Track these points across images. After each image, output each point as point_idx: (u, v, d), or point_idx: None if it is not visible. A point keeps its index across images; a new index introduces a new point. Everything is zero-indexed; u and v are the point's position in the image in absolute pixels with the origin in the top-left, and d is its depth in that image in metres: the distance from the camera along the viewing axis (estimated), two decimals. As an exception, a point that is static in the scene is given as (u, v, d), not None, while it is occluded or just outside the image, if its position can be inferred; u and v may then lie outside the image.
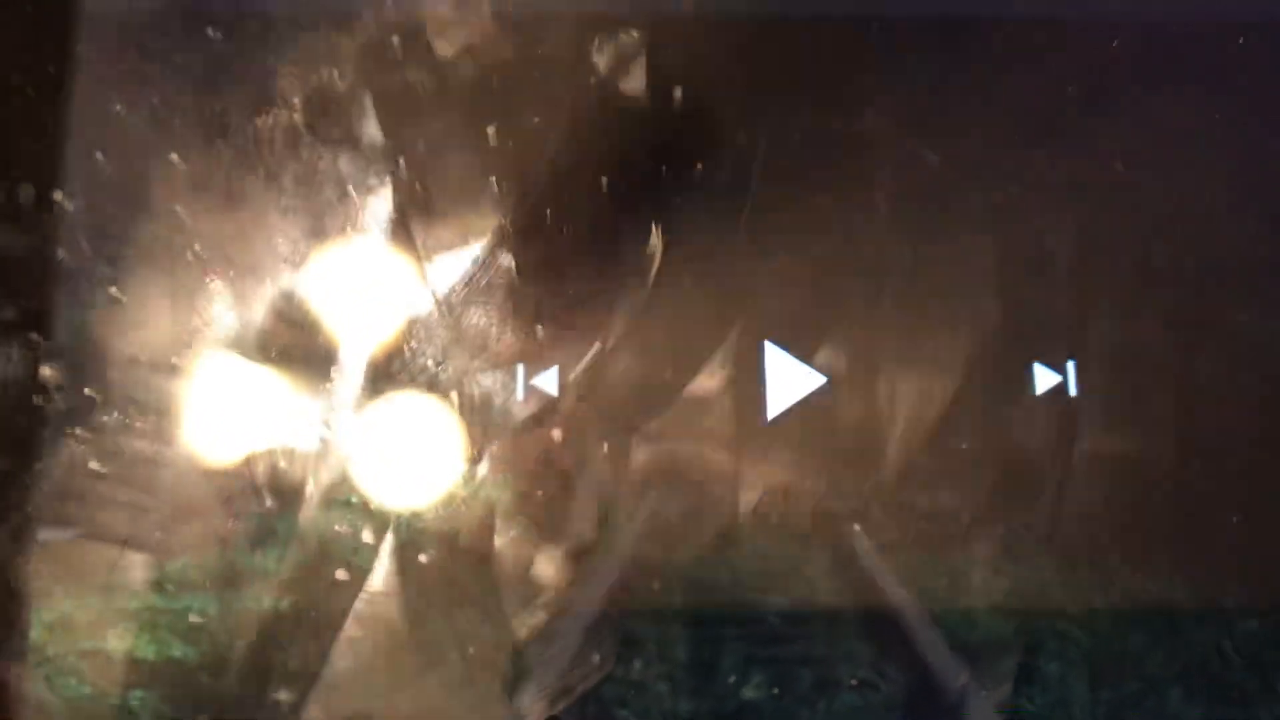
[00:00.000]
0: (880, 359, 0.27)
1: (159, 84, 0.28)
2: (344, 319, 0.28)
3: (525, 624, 0.26)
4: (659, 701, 0.26)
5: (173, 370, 0.27)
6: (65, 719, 0.26)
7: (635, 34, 0.28)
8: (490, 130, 0.28)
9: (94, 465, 0.27)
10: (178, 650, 0.26)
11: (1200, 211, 0.28)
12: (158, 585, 0.26)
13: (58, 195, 0.27)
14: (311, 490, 0.27)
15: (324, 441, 0.27)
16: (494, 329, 0.28)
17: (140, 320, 0.27)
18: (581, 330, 0.27)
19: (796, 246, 0.28)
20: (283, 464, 0.27)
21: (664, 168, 0.28)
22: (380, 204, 0.28)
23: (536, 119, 0.28)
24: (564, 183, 0.28)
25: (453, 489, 0.27)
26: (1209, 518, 0.27)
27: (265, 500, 0.27)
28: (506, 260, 0.28)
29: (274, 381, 0.27)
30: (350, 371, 0.27)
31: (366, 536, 0.26)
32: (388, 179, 0.28)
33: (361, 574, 0.26)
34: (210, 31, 0.28)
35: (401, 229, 0.28)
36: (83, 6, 0.28)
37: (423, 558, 0.26)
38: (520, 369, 0.27)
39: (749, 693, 0.26)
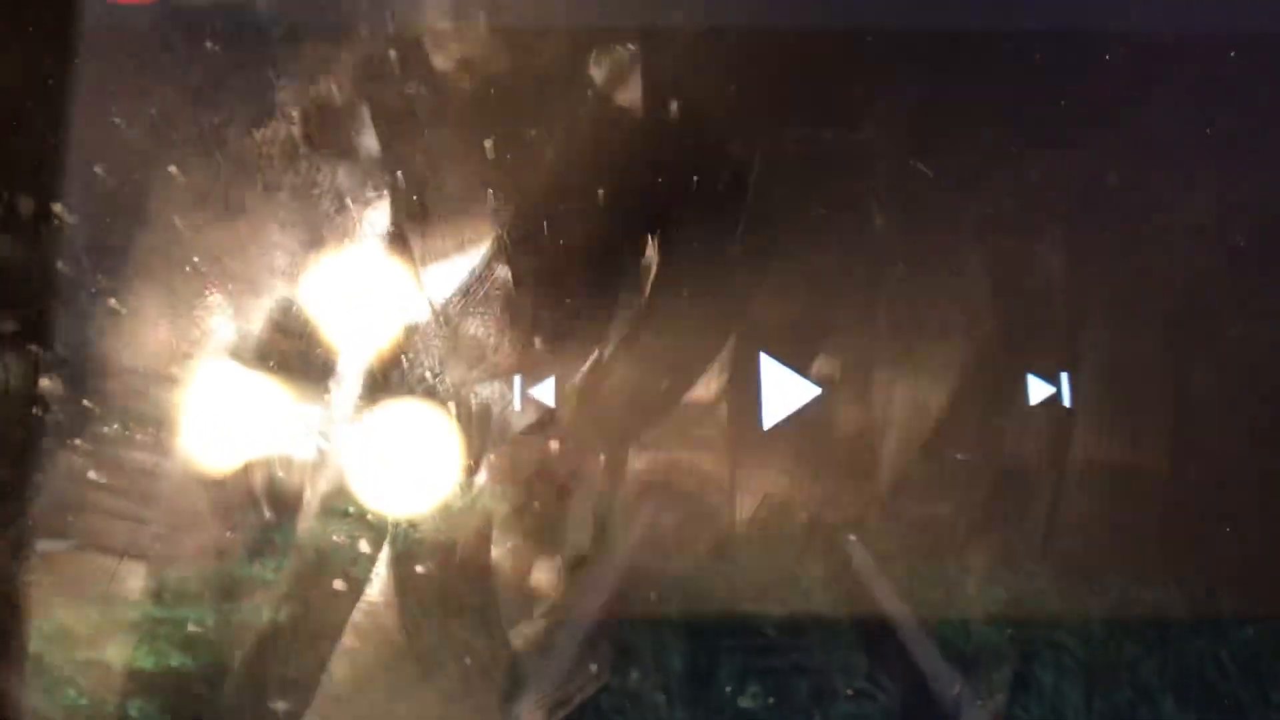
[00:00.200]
0: (875, 370, 0.27)
1: (158, 96, 0.28)
2: (342, 330, 0.28)
3: (522, 634, 0.26)
4: (655, 712, 0.26)
5: (171, 381, 0.27)
6: (63, 729, 0.26)
7: (631, 47, 0.29)
8: (487, 143, 0.28)
9: (92, 476, 0.27)
10: (176, 660, 0.26)
11: (1193, 223, 0.28)
12: (156, 595, 0.26)
13: (57, 207, 0.28)
14: (309, 501, 0.27)
15: (322, 452, 0.27)
16: (491, 340, 0.28)
17: (139, 332, 0.27)
18: (578, 341, 0.28)
19: (792, 258, 0.28)
20: (280, 474, 0.27)
21: (660, 180, 0.28)
22: (378, 216, 0.28)
23: (533, 132, 0.28)
24: (561, 195, 0.28)
25: (450, 499, 0.27)
26: (1203, 527, 0.27)
27: (263, 511, 0.27)
28: (503, 272, 0.28)
29: (272, 392, 0.27)
30: (348, 382, 0.27)
31: (364, 547, 0.27)
32: (385, 191, 0.28)
33: (359, 584, 0.26)
34: (209, 44, 0.28)
35: (399, 241, 0.28)
36: (82, 19, 0.28)
37: (420, 568, 0.27)
38: (517, 380, 0.27)
39: (745, 703, 0.26)
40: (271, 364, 0.27)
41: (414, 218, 0.28)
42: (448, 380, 0.27)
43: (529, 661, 0.26)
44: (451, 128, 0.28)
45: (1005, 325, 0.28)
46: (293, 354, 0.27)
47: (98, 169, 0.28)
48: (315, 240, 0.28)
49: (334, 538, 0.27)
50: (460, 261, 0.28)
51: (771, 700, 0.26)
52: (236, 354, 0.27)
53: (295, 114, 0.28)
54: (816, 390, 0.27)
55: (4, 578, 0.26)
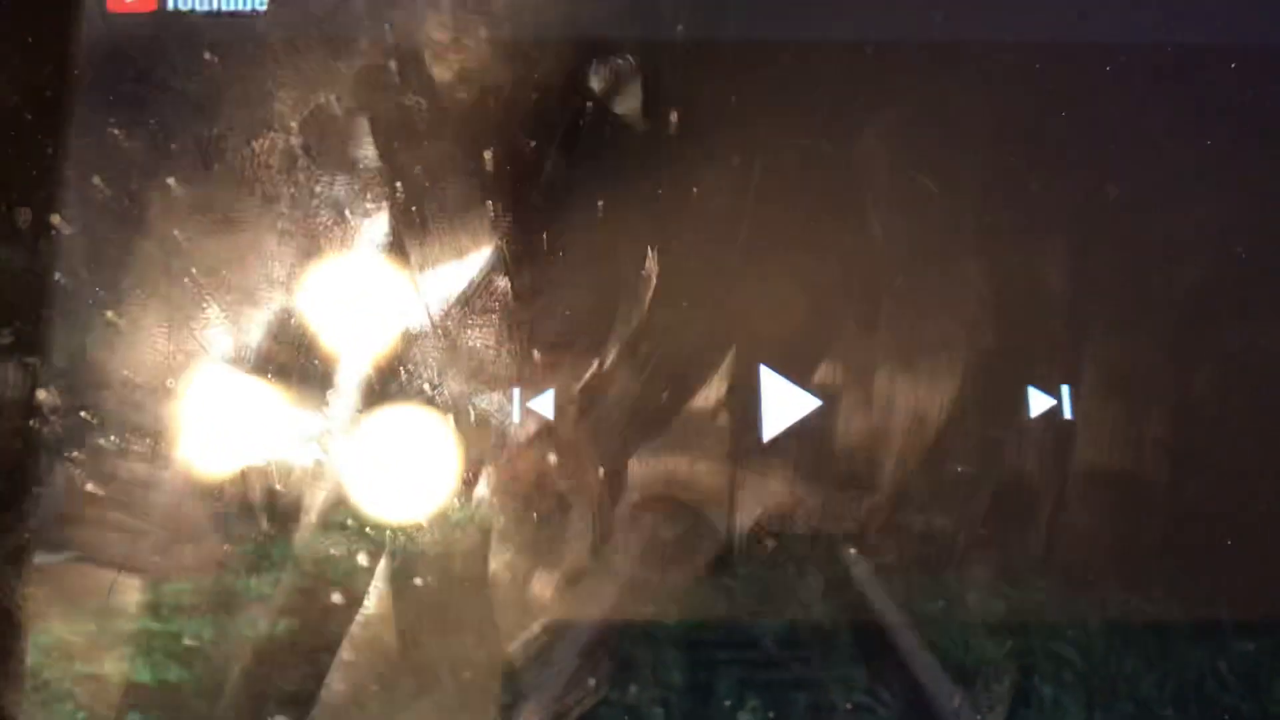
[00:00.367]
0: (876, 382, 0.27)
1: (156, 108, 0.28)
2: (340, 342, 0.28)
3: (520, 647, 0.26)
4: (655, 725, 0.26)
5: (169, 393, 0.27)
6: (60, 743, 0.26)
7: (630, 58, 0.29)
8: (486, 154, 0.28)
9: (90, 488, 0.27)
10: (173, 674, 0.26)
11: (1194, 234, 0.28)
12: (153, 608, 0.26)
13: (55, 219, 0.28)
14: (307, 513, 0.27)
15: (320, 464, 0.27)
16: (490, 352, 0.28)
17: (137, 343, 0.27)
18: (577, 353, 0.27)
19: (791, 269, 0.28)
20: (278, 487, 0.27)
21: (659, 191, 0.28)
22: (376, 227, 0.28)
23: (532, 143, 0.28)
24: (559, 206, 0.28)
25: (448, 512, 0.27)
26: (1204, 539, 0.27)
27: (261, 523, 0.27)
28: (502, 283, 0.28)
29: (270, 404, 0.27)
30: (346, 394, 0.27)
31: (362, 559, 0.27)
32: (384, 202, 0.28)
33: (357, 597, 0.26)
34: (208, 55, 0.28)
35: (398, 252, 0.28)
36: (80, 30, 0.28)
37: (418, 581, 0.26)
38: (516, 391, 0.27)
39: (744, 716, 0.26)
40: (270, 375, 0.27)
41: (413, 229, 0.28)
42: (446, 392, 0.27)
43: (527, 674, 0.26)
44: (450, 139, 0.28)
45: (1006, 337, 0.28)
46: (291, 365, 0.27)
47: (96, 180, 0.28)
48: (314, 251, 0.28)
49: (332, 550, 0.27)
50: (459, 273, 0.28)
51: (771, 714, 0.26)
52: (234, 365, 0.27)
53: (294, 125, 0.28)
54: (816, 402, 0.27)
55: (1, 590, 0.26)
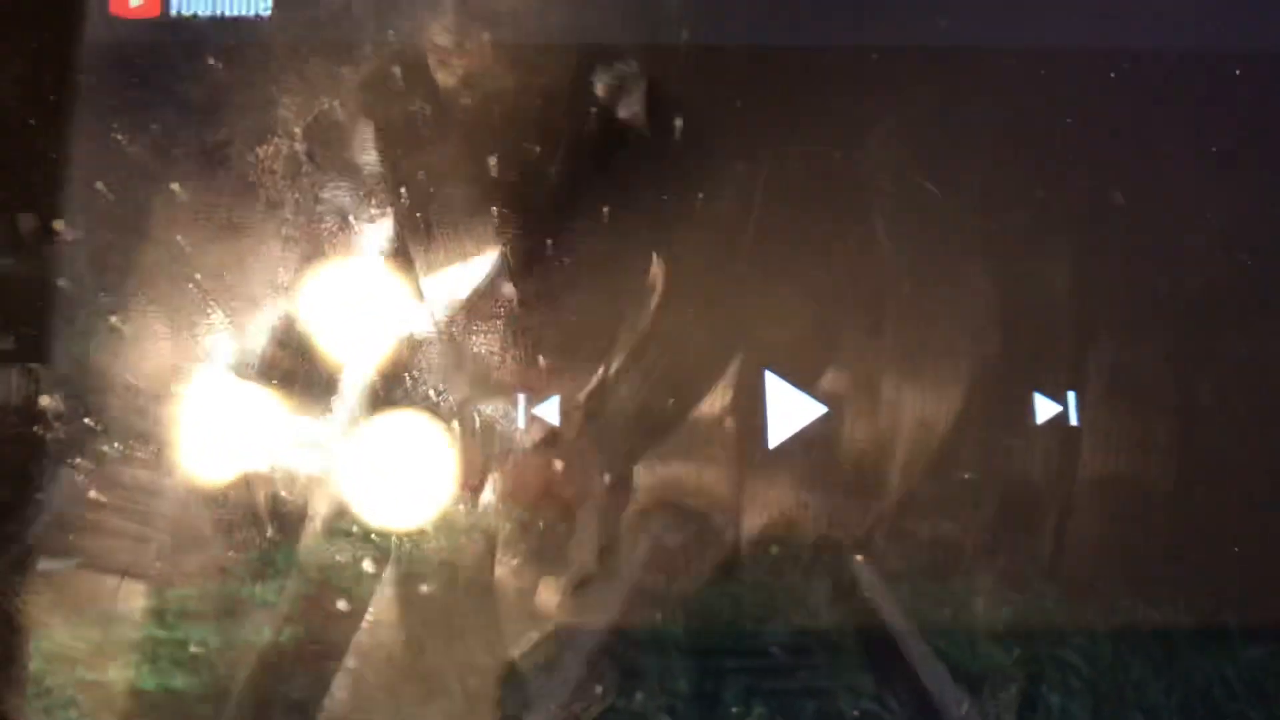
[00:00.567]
0: (881, 388, 0.27)
1: (160, 113, 0.28)
2: (345, 348, 0.28)
3: (527, 655, 0.26)
4: (661, 732, 0.26)
5: (173, 399, 0.27)
6: (64, 751, 0.26)
7: (635, 63, 0.28)
8: (491, 160, 0.28)
9: (94, 495, 0.27)
10: (178, 681, 0.26)
11: (1200, 240, 0.28)
12: (158, 615, 0.26)
13: (58, 224, 0.28)
14: (312, 520, 0.27)
15: (325, 470, 0.27)
16: (495, 358, 0.28)
17: (140, 349, 0.27)
18: (583, 359, 0.27)
19: (797, 275, 0.28)
20: (283, 493, 0.27)
21: (665, 197, 0.28)
22: (381, 233, 0.28)
23: (537, 149, 0.28)
24: (565, 212, 0.28)
25: (454, 518, 0.27)
26: (1211, 546, 0.27)
27: (266, 530, 0.27)
28: (507, 289, 0.28)
29: (274, 411, 0.27)
30: (351, 400, 0.27)
31: (367, 566, 0.26)
32: (388, 208, 0.28)
33: (362, 604, 0.26)
34: (211, 61, 0.28)
35: (403, 258, 0.28)
36: (84, 35, 0.28)
37: (423, 588, 0.26)
38: (521, 398, 0.27)
39: (751, 724, 0.26)
40: (274, 382, 0.27)
41: (417, 235, 0.28)
42: (452, 398, 0.27)
43: (533, 682, 0.26)
44: (455, 145, 0.28)
45: (1012, 344, 0.28)
46: (296, 372, 0.27)
47: (99, 185, 0.28)
48: (318, 258, 0.28)
49: (337, 557, 0.27)
50: (464, 279, 0.28)
51: (777, 721, 0.26)
52: (238, 372, 0.27)
53: (297, 131, 0.28)
54: (822, 409, 0.27)
55: (5, 597, 0.26)
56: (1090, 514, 0.27)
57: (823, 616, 0.26)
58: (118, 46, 0.28)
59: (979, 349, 0.28)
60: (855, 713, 0.26)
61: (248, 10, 0.29)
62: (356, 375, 0.27)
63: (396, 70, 0.28)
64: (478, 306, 0.28)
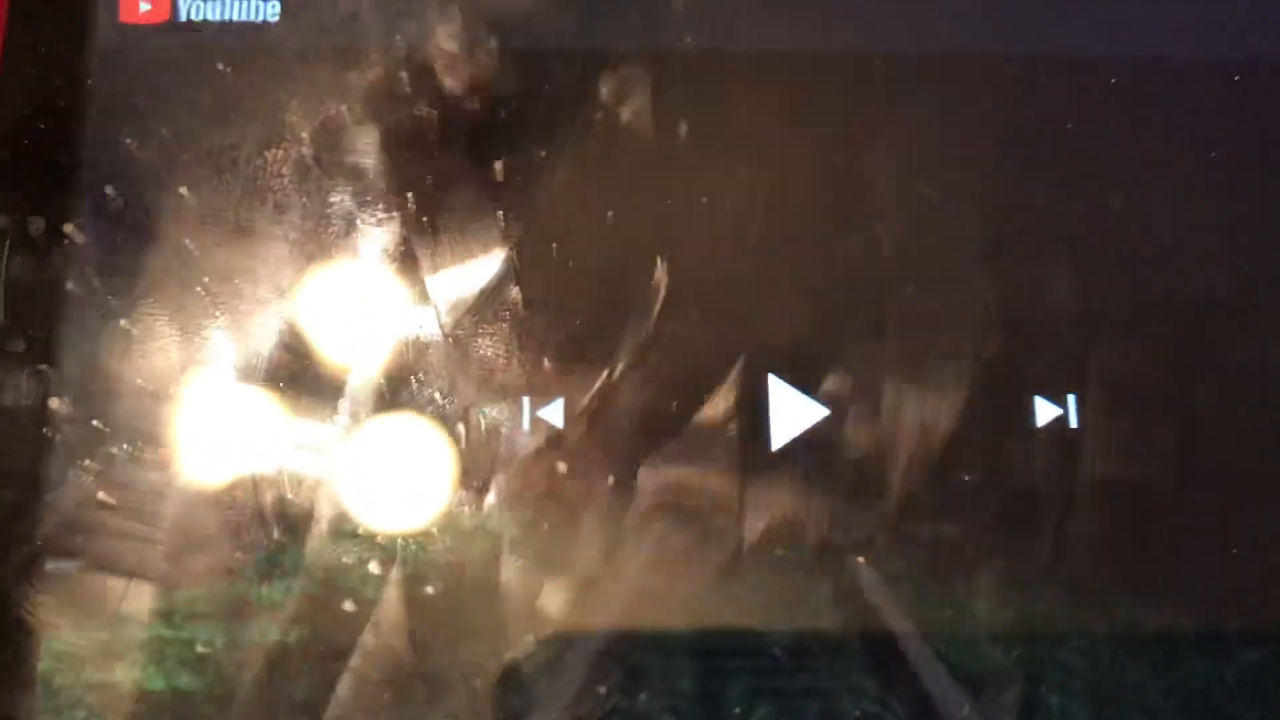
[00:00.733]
0: (883, 391, 0.28)
1: (169, 117, 0.28)
2: (351, 351, 0.28)
3: (531, 656, 0.26)
4: (664, 733, 0.26)
5: (181, 402, 0.27)
6: (72, 750, 0.26)
7: (640, 68, 0.29)
8: (497, 164, 0.28)
9: (102, 496, 0.27)
10: (185, 681, 0.26)
11: (1199, 245, 0.28)
12: (165, 616, 0.26)
13: (68, 228, 0.28)
14: (319, 521, 0.27)
15: (331, 473, 0.27)
16: (500, 360, 0.28)
17: (149, 352, 0.27)
18: (587, 362, 0.28)
19: (799, 279, 0.28)
20: (290, 495, 0.27)
21: (668, 200, 0.28)
22: (388, 237, 0.28)
23: (543, 153, 0.28)
24: (570, 216, 0.28)
25: (458, 520, 0.27)
26: (1210, 548, 0.27)
27: (272, 531, 0.27)
28: (513, 292, 0.28)
29: (281, 413, 0.27)
30: (357, 403, 0.27)
31: (373, 568, 0.27)
32: (395, 212, 0.28)
33: (368, 605, 0.26)
34: (220, 65, 0.29)
35: (409, 261, 0.28)
36: (93, 41, 0.29)
37: (429, 589, 0.27)
38: (526, 400, 0.27)
39: (754, 724, 0.26)
40: (281, 384, 0.28)
41: (424, 238, 0.28)
42: (457, 401, 0.27)
43: (538, 683, 0.26)
44: (461, 149, 0.28)
45: (1012, 347, 0.28)
46: (302, 374, 0.28)
47: (109, 189, 0.28)
48: (325, 261, 0.28)
49: (343, 558, 0.27)
50: (470, 282, 0.28)
51: (780, 722, 0.26)
52: (246, 374, 0.28)
53: (305, 135, 0.28)
54: (824, 411, 0.27)
55: (14, 598, 0.26)
56: (1090, 516, 0.27)
57: (825, 618, 0.27)
58: (127, 52, 0.29)
59: (980, 352, 0.28)
60: (857, 713, 0.26)
61: (256, 16, 0.29)
62: (362, 378, 0.28)
63: (403, 75, 0.29)
64: (483, 310, 0.28)
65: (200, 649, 0.26)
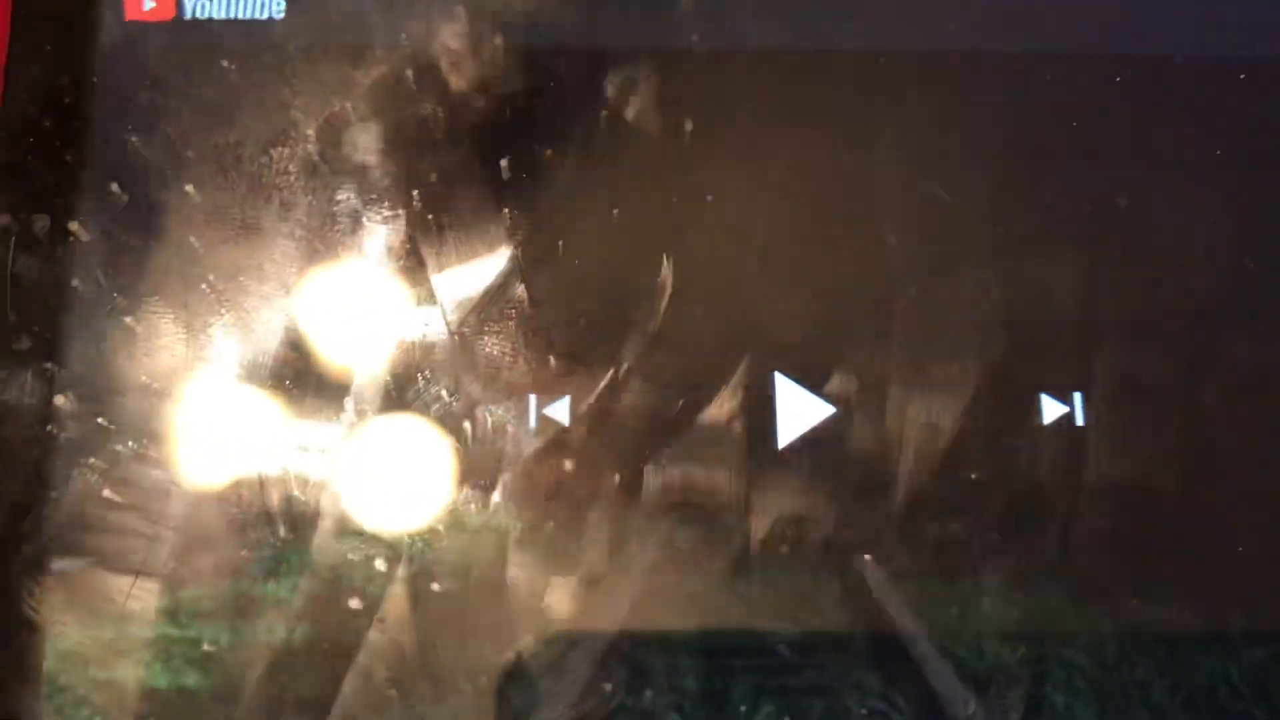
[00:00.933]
0: (890, 389, 0.28)
1: (174, 115, 0.28)
2: (357, 349, 0.28)
3: (536, 654, 0.26)
4: (670, 731, 0.26)
5: (186, 400, 0.27)
6: (78, 748, 0.26)
7: (647, 66, 0.29)
8: (503, 162, 0.28)
9: (107, 494, 0.27)
10: (190, 679, 0.26)
11: (1205, 244, 0.28)
12: (171, 614, 0.26)
13: (73, 225, 0.28)
14: (324, 519, 0.27)
15: (337, 471, 0.27)
16: (506, 359, 0.28)
17: (155, 349, 0.27)
18: (593, 360, 0.28)
19: (806, 277, 0.28)
20: (296, 493, 0.27)
21: (674, 198, 0.28)
22: (393, 234, 0.28)
23: (549, 151, 0.28)
24: (576, 214, 0.28)
25: (464, 518, 0.27)
26: (1216, 546, 0.27)
27: (278, 529, 0.27)
28: (519, 290, 0.28)
29: (287, 411, 0.27)
30: (362, 401, 0.27)
31: (379, 565, 0.27)
32: (401, 210, 0.28)
33: (374, 603, 0.26)
34: (225, 63, 0.29)
35: (415, 259, 0.28)
36: (98, 38, 0.29)
37: (434, 587, 0.27)
38: (532, 399, 0.27)
39: (760, 722, 0.26)
40: (286, 382, 0.28)
41: (429, 236, 0.28)
42: (462, 399, 0.27)
43: (543, 681, 0.26)
44: (467, 147, 0.28)
45: (1018, 345, 0.28)
46: (308, 372, 0.28)
47: (114, 187, 0.28)
48: (330, 259, 0.28)
49: (349, 556, 0.27)
50: (475, 280, 0.28)
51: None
52: (251, 372, 0.28)
53: (311, 133, 0.28)
54: (831, 409, 0.27)
55: (19, 596, 0.26)
56: (1096, 515, 0.27)
57: (831, 616, 0.27)
58: (132, 49, 0.29)
59: (986, 350, 0.28)
60: (863, 711, 0.26)
61: (261, 13, 0.29)
62: (368, 376, 0.28)
63: (409, 73, 0.29)
64: (489, 308, 0.28)
65: (206, 647, 0.26)
